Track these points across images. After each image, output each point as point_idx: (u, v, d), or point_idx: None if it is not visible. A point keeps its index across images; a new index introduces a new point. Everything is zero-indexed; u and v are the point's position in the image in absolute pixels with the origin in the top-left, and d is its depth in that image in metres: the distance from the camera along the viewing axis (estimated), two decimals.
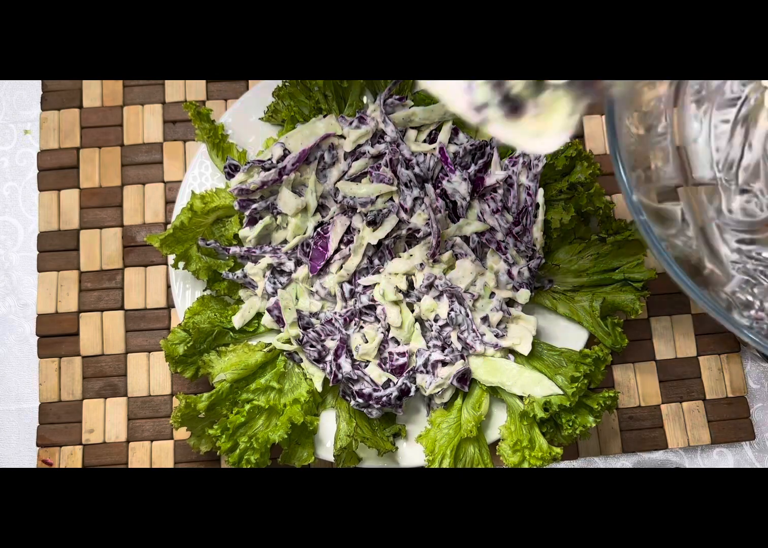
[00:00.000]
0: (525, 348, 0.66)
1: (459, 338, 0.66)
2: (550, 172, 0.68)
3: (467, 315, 0.66)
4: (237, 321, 0.68)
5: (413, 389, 0.65)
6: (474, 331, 0.66)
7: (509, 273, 0.68)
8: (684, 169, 0.58)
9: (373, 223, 0.66)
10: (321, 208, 0.69)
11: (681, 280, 0.48)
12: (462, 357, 0.66)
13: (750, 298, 0.55)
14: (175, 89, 0.78)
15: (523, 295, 0.67)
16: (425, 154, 0.68)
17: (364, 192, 0.67)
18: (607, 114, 0.51)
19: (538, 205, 0.68)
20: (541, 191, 0.68)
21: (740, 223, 0.56)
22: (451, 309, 0.66)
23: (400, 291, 0.67)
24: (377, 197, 0.67)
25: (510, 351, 0.68)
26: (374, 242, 0.66)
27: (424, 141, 0.70)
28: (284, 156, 0.68)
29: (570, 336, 0.68)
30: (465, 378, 0.66)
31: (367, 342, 0.66)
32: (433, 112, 0.70)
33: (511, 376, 0.65)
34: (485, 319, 0.67)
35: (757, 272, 0.56)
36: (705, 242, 0.56)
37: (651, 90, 0.57)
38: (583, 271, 0.68)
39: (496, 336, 0.67)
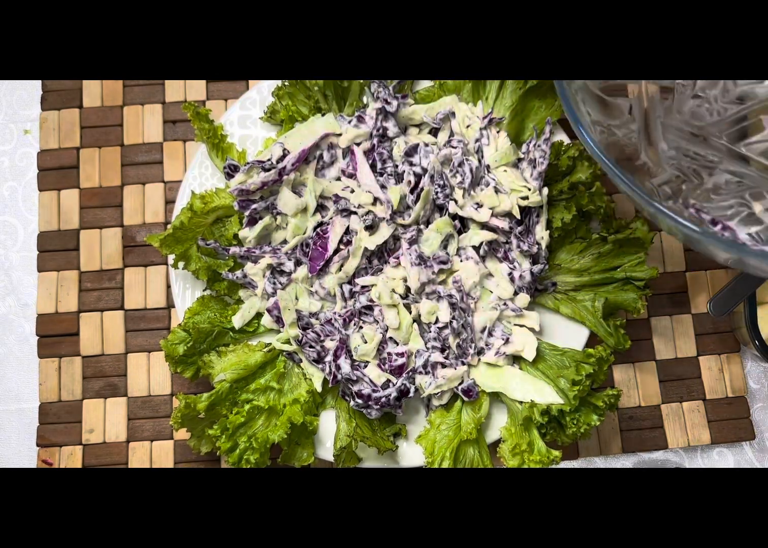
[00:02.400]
0: (530, 354, 0.66)
1: (459, 345, 0.66)
2: (552, 173, 0.68)
3: (468, 324, 0.66)
4: (237, 321, 0.68)
5: (412, 390, 0.65)
6: (473, 342, 0.66)
7: (511, 276, 0.67)
8: None
9: (370, 228, 0.66)
10: (321, 208, 0.69)
11: (601, 160, 0.49)
12: (462, 362, 0.66)
13: (671, 192, 0.57)
14: (175, 89, 0.78)
15: (522, 299, 0.67)
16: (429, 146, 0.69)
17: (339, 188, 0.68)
18: None
19: (541, 205, 0.68)
20: (545, 190, 0.67)
21: (685, 123, 0.57)
22: (453, 318, 0.66)
23: (398, 294, 0.67)
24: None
25: (514, 356, 0.68)
26: (371, 247, 0.66)
27: None
28: (284, 156, 0.68)
29: (571, 333, 0.68)
30: (470, 392, 0.66)
31: (366, 342, 0.66)
32: (434, 110, 0.70)
33: (513, 383, 0.66)
34: (486, 327, 0.67)
35: (689, 170, 0.57)
36: (646, 137, 0.57)
37: None
38: (584, 270, 0.68)
39: (504, 340, 0.67)
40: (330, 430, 0.67)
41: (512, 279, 0.67)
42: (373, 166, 0.68)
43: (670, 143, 0.56)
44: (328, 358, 0.66)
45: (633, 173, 0.56)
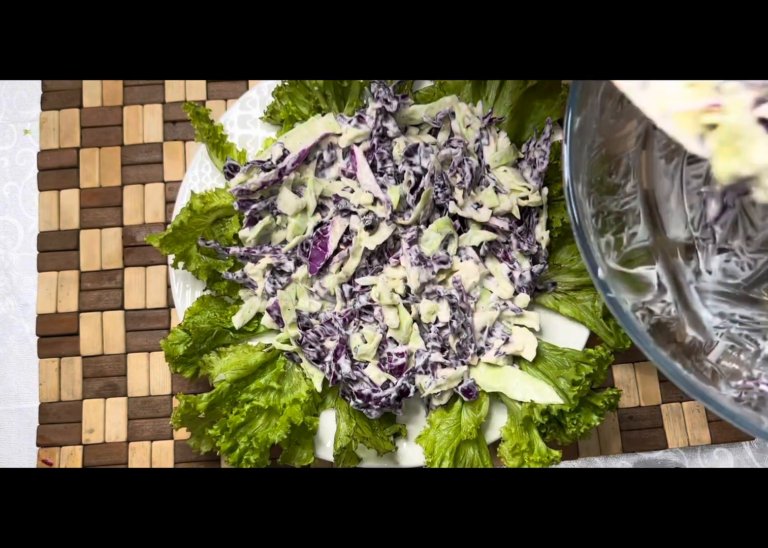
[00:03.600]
0: (530, 354, 0.66)
1: (459, 345, 0.66)
2: (552, 173, 0.68)
3: (468, 324, 0.66)
4: (237, 321, 0.68)
5: (412, 390, 0.65)
6: (473, 342, 0.66)
7: (511, 276, 0.68)
8: (656, 230, 0.54)
9: (370, 228, 0.66)
10: (321, 208, 0.69)
11: (653, 355, 0.43)
12: (462, 362, 0.66)
13: (736, 366, 0.51)
14: (175, 89, 0.78)
15: (522, 300, 0.67)
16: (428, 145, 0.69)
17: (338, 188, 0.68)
18: (566, 181, 0.47)
19: (541, 205, 0.68)
20: (545, 190, 0.67)
21: (721, 284, 0.52)
22: (453, 318, 0.66)
23: (398, 294, 0.67)
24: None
25: (514, 356, 0.68)
26: (371, 247, 0.66)
27: None
28: (284, 156, 0.68)
29: (571, 333, 0.69)
30: (470, 392, 0.66)
31: (366, 342, 0.66)
32: (434, 110, 0.70)
33: (513, 383, 0.66)
34: (486, 327, 0.67)
35: (742, 337, 0.51)
36: (684, 307, 0.52)
37: (620, 143, 0.51)
38: (584, 270, 0.68)
39: (504, 340, 0.67)
40: (330, 430, 0.67)
41: (512, 280, 0.67)
42: (373, 166, 0.68)
43: (711, 310, 0.51)
44: (328, 358, 0.66)
45: (688, 356, 0.50)
